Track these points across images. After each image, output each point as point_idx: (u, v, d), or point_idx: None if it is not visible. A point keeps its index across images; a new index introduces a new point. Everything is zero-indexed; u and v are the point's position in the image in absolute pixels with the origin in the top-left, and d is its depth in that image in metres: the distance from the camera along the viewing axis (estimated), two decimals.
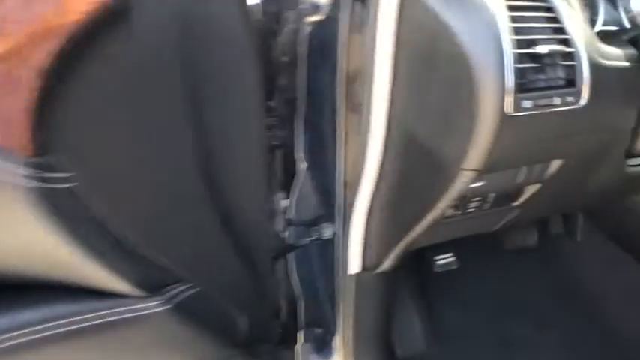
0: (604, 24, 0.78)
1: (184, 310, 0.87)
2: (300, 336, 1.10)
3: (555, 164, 0.76)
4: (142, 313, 0.83)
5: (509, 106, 0.64)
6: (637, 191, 1.04)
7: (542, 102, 0.67)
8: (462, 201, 0.78)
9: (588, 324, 1.31)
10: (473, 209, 0.82)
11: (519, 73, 0.63)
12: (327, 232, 1.07)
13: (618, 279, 1.35)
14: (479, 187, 0.73)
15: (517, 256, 1.41)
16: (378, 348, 1.10)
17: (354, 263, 0.92)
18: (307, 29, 0.97)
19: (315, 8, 0.91)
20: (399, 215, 0.83)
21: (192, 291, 0.89)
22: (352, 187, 0.86)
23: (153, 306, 0.84)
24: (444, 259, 1.14)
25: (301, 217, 1.09)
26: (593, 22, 0.77)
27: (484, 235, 0.98)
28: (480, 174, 0.70)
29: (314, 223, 1.09)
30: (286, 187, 1.12)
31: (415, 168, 0.77)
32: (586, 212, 1.32)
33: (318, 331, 1.08)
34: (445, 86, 0.67)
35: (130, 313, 0.82)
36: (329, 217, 1.02)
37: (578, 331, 1.30)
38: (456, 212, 0.80)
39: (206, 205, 0.84)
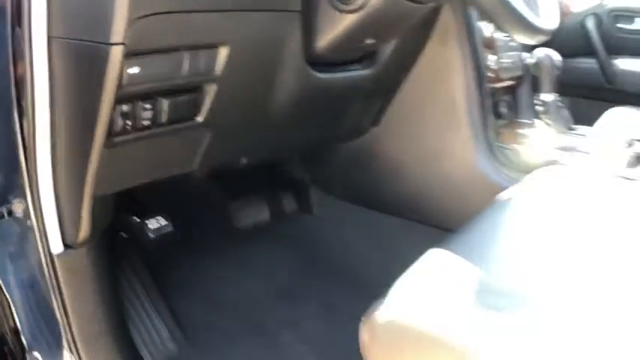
0: None
1: None
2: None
3: (223, 52, 0.71)
4: None
5: None
6: (337, 106, 1.07)
7: None
8: (129, 104, 0.67)
9: (348, 290, 1.29)
10: (148, 121, 0.71)
11: None
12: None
13: (362, 238, 1.40)
14: (137, 74, 0.63)
15: (253, 236, 1.35)
16: (116, 351, 0.91)
17: (55, 239, 0.75)
18: None
19: None
20: (74, 149, 0.69)
21: None
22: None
23: None
24: (157, 222, 1.01)
25: None
26: None
27: (209, 212, 0.88)
28: (132, 55, 0.61)
29: None
30: None
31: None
32: (313, 178, 1.34)
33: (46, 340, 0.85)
34: None
35: None
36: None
37: (336, 299, 1.28)
38: (127, 123, 0.69)
39: None
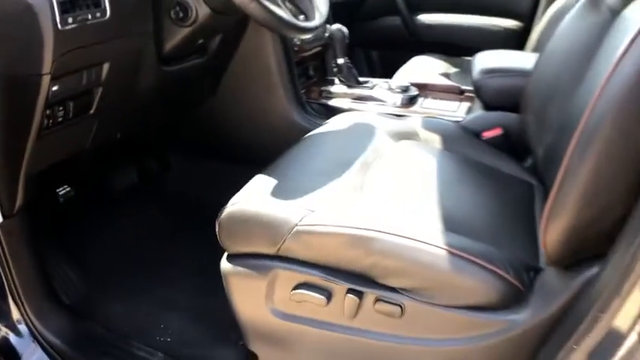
0: None
1: None
2: None
3: (106, 67, 1.06)
4: None
5: (58, 22, 0.90)
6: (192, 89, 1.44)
7: (79, 18, 0.94)
8: (50, 109, 1.00)
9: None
10: (61, 118, 1.04)
11: (62, 1, 0.90)
12: None
13: (212, 182, 1.73)
14: (57, 90, 0.97)
15: (128, 193, 1.68)
16: (44, 293, 1.20)
17: None
18: None
19: None
20: (13, 145, 1.00)
21: None
22: None
23: None
24: (64, 190, 1.33)
25: None
26: None
27: (97, 179, 1.18)
28: (53, 78, 0.94)
29: None
30: None
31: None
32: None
33: None
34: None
35: None
36: None
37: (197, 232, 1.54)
38: (49, 121, 1.01)
39: None
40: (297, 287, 0.92)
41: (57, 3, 0.90)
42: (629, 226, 0.70)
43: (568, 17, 1.22)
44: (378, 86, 1.65)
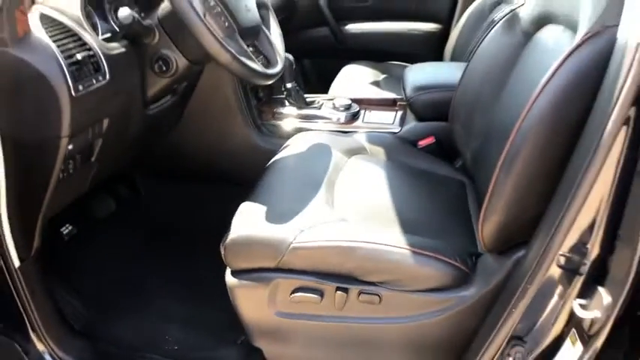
0: (104, 33, 1.26)
1: None
2: None
3: (106, 122, 1.22)
4: None
5: (72, 90, 1.06)
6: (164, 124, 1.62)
7: (87, 84, 1.11)
8: (63, 164, 1.15)
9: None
10: (72, 170, 1.20)
11: (72, 72, 1.06)
12: None
13: (183, 203, 1.95)
14: (71, 148, 1.13)
15: (108, 222, 1.83)
16: (60, 326, 1.35)
17: (14, 255, 1.17)
18: None
19: None
20: (30, 199, 1.14)
21: None
22: None
23: None
24: (66, 229, 1.48)
25: None
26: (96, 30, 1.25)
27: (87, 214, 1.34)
28: (70, 138, 1.10)
29: None
30: None
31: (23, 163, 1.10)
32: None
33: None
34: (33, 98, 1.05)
35: None
36: None
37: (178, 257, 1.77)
38: (63, 174, 1.17)
39: None
40: (295, 291, 1.14)
41: (69, 73, 1.06)
42: (544, 219, 0.97)
43: (489, 36, 1.48)
44: (324, 105, 1.87)
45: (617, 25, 0.90)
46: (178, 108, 1.71)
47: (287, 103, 1.89)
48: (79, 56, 1.09)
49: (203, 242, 1.78)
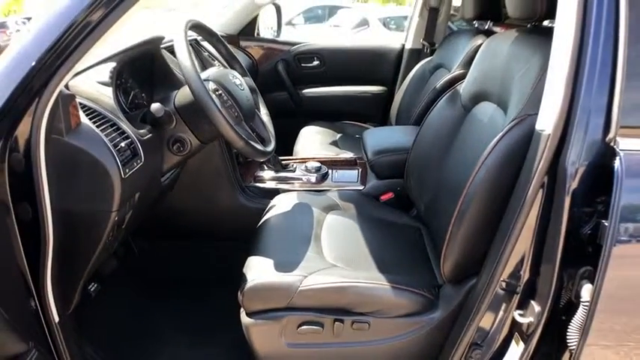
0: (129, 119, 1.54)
1: None
2: None
3: (137, 195, 1.49)
4: None
5: (122, 173, 1.33)
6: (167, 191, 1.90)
7: (130, 167, 1.38)
8: (111, 235, 1.41)
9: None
10: (111, 237, 1.46)
11: (120, 158, 1.33)
12: None
13: (177, 260, 2.20)
14: (116, 220, 1.39)
15: (113, 278, 2.04)
16: None
17: (55, 312, 1.37)
18: None
19: None
20: (77, 262, 1.39)
21: None
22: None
23: None
24: (93, 287, 1.72)
25: None
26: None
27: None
28: (118, 211, 1.37)
29: None
30: None
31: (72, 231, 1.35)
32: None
33: None
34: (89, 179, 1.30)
35: None
36: None
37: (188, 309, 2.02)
38: (106, 241, 1.43)
39: None
40: (301, 324, 1.44)
41: (119, 159, 1.32)
42: (489, 256, 1.31)
43: (436, 108, 1.86)
44: (297, 168, 2.21)
45: (537, 114, 1.19)
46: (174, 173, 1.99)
47: (265, 167, 2.20)
48: (122, 144, 1.37)
49: (202, 292, 2.05)
